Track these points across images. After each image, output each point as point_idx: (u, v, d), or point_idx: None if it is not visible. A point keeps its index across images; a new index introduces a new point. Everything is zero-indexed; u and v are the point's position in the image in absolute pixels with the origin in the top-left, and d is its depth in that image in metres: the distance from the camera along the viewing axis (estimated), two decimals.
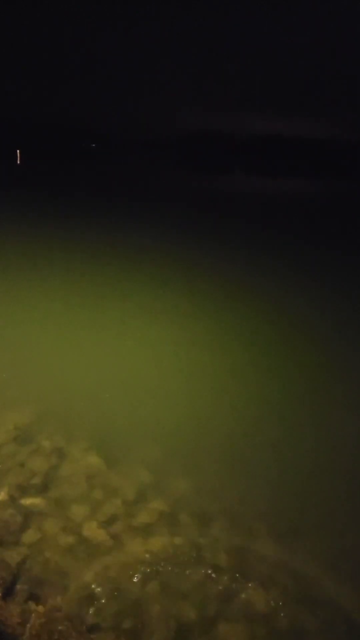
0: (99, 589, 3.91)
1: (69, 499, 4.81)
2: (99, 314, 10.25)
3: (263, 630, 3.71)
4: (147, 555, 4.23)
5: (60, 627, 3.50)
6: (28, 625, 3.48)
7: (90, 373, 7.48)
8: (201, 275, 13.43)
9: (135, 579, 4.02)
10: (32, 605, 3.66)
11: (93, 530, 4.42)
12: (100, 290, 11.76)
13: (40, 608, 3.64)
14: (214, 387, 7.40)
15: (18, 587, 3.86)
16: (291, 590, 4.04)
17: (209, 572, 4.12)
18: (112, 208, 27.20)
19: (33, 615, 3.56)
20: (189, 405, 6.81)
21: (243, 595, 3.93)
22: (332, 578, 4.18)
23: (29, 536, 4.34)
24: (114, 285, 12.17)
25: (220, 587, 4.00)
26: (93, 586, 3.94)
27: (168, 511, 4.72)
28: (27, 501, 4.73)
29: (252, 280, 13.20)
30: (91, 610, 3.73)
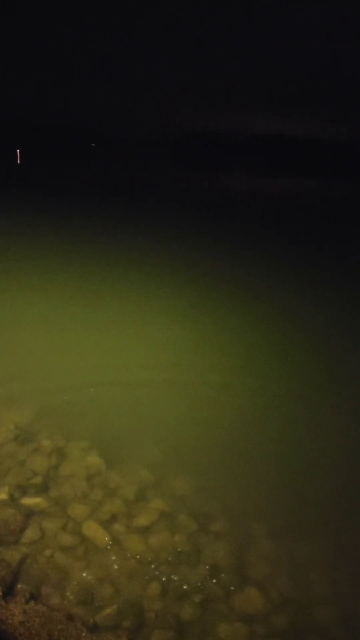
0: (99, 589, 3.91)
1: (69, 498, 4.81)
2: (99, 313, 10.24)
3: (263, 630, 3.71)
4: (147, 555, 4.23)
5: (60, 627, 3.50)
6: (28, 625, 3.47)
7: (90, 372, 7.47)
8: (201, 274, 13.43)
9: (135, 579, 4.02)
10: (32, 605, 3.65)
11: (93, 530, 4.42)
12: (100, 289, 11.76)
13: (40, 608, 3.64)
14: (215, 386, 7.39)
15: (18, 586, 3.86)
16: (291, 590, 4.04)
17: (209, 572, 4.12)
18: (112, 208, 27.19)
19: (33, 615, 3.56)
20: (190, 404, 6.81)
21: (243, 595, 3.93)
22: (333, 578, 4.18)
23: (29, 535, 4.34)
24: (114, 285, 12.17)
25: (221, 587, 4.00)
26: (93, 586, 3.94)
27: (168, 511, 4.72)
28: (27, 501, 4.73)
29: (252, 280, 13.20)
30: (91, 610, 3.73)
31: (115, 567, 4.11)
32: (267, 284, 12.87)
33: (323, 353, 8.85)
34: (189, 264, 14.48)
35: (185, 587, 3.97)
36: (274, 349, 9.03)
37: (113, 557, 4.20)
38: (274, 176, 78.80)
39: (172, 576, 4.05)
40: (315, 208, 35.50)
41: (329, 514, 4.87)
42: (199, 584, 4.00)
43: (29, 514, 4.59)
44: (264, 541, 4.48)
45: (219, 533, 4.52)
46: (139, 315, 10.20)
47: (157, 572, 4.08)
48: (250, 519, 4.72)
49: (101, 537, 4.36)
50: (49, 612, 3.62)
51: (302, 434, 6.29)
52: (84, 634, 3.49)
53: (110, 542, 4.33)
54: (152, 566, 4.13)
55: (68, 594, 3.85)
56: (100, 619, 3.67)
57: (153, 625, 3.67)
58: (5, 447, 5.51)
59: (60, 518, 4.55)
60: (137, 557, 4.21)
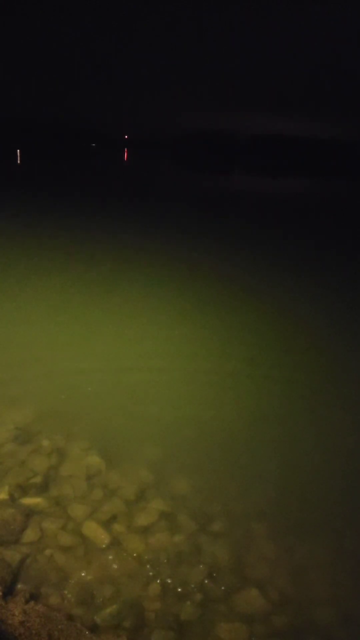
0: (99, 589, 3.91)
1: (69, 498, 4.81)
2: (99, 313, 10.24)
3: (263, 630, 3.70)
4: (147, 555, 4.23)
5: (60, 627, 3.50)
6: (28, 625, 3.47)
7: (90, 372, 7.47)
8: (201, 275, 13.43)
9: (135, 579, 4.02)
10: (32, 605, 3.65)
11: (93, 530, 4.42)
12: (99, 289, 11.75)
13: (40, 608, 3.63)
14: (215, 386, 7.40)
15: (18, 586, 3.86)
16: (291, 590, 4.04)
17: (209, 572, 4.11)
18: (112, 207, 27.19)
19: (33, 615, 3.56)
20: (190, 405, 6.81)
21: (243, 595, 3.93)
22: (333, 578, 4.18)
23: (29, 535, 4.34)
24: (114, 285, 12.16)
25: (220, 587, 4.00)
26: (93, 586, 3.94)
27: (168, 511, 4.72)
28: (27, 500, 4.73)
29: (252, 280, 13.20)
30: (91, 610, 3.73)
31: (115, 567, 4.11)
32: (267, 284, 12.87)
33: (324, 352, 8.85)
34: (189, 264, 14.48)
35: (185, 587, 3.97)
36: (274, 348, 9.03)
37: (113, 557, 4.20)
38: (274, 176, 78.74)
39: (172, 576, 4.05)
40: (315, 208, 35.49)
41: (329, 514, 4.87)
42: (199, 584, 4.00)
43: (29, 514, 4.58)
44: (264, 541, 4.48)
45: (219, 533, 4.52)
46: (139, 315, 10.20)
47: (157, 572, 4.08)
48: (250, 519, 4.72)
49: (101, 537, 4.36)
50: (49, 612, 3.62)
51: (303, 434, 6.29)
52: (84, 634, 3.49)
53: (110, 542, 4.33)
54: (152, 566, 4.13)
55: (68, 594, 3.85)
56: (100, 619, 3.66)
57: (153, 625, 3.67)
58: (5, 447, 5.50)
59: (60, 518, 4.55)
60: (137, 557, 4.21)
